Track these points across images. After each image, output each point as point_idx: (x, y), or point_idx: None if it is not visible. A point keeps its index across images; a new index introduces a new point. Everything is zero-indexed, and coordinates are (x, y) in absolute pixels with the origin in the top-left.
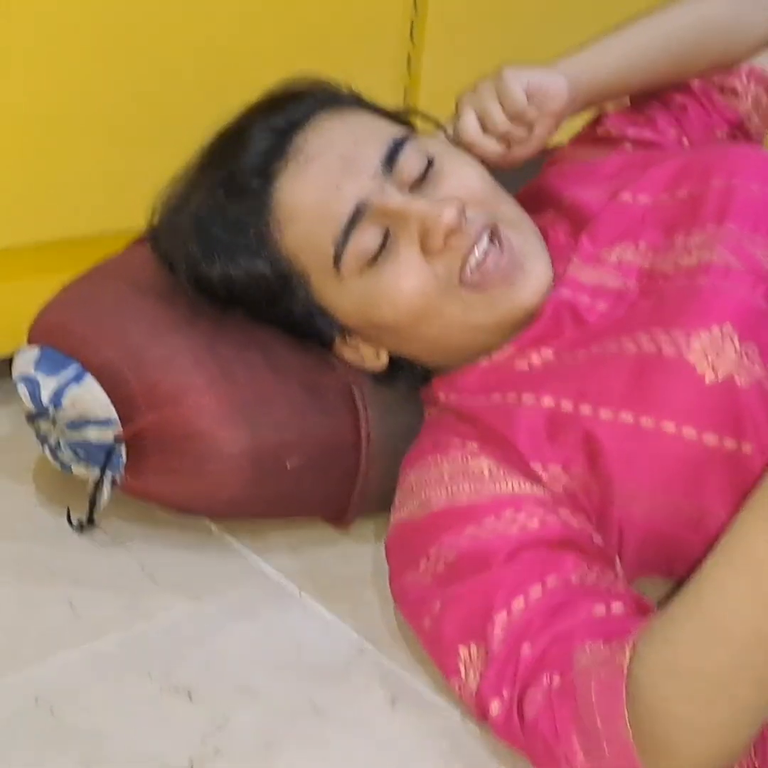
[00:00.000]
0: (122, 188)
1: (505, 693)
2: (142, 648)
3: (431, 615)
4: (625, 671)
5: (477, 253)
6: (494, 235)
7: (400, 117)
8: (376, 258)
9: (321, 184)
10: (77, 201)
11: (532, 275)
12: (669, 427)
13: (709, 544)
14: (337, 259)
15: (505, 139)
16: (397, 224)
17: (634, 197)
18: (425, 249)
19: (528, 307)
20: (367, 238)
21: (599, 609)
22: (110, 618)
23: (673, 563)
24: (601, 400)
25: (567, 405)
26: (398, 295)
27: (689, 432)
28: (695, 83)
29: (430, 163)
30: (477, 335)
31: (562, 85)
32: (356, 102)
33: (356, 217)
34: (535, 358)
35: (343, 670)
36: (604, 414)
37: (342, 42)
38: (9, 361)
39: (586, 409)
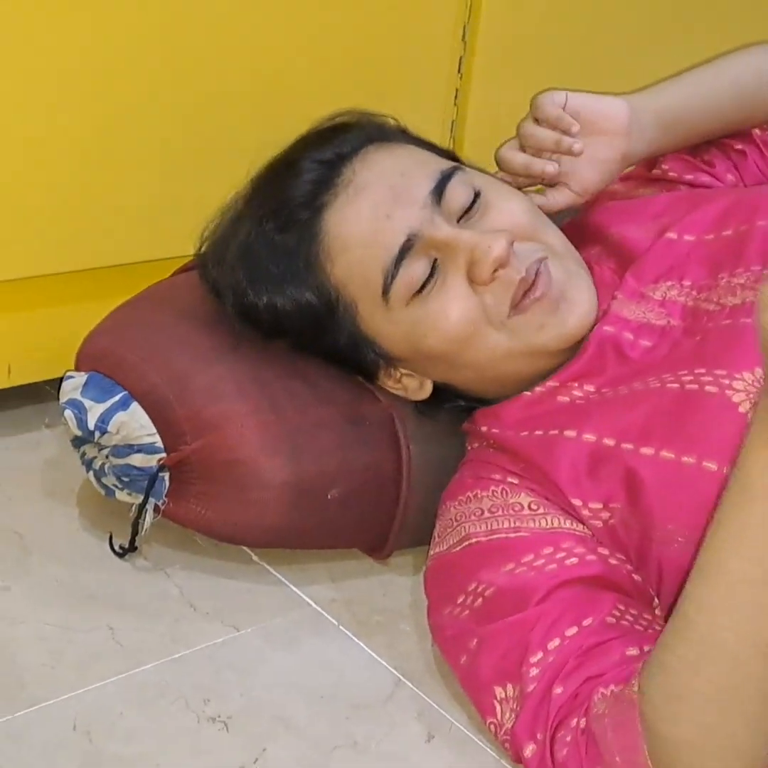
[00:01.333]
0: (169, 217)
1: (538, 735)
2: (181, 676)
3: (468, 653)
4: (636, 703)
5: (524, 285)
6: (541, 267)
7: (447, 152)
8: (423, 288)
9: (371, 215)
10: (125, 229)
11: (578, 304)
12: (711, 465)
13: None
14: (386, 289)
15: (554, 176)
16: (446, 255)
17: (679, 236)
18: (473, 279)
19: (573, 335)
20: (415, 269)
21: (633, 651)
22: (150, 645)
23: None
24: (642, 436)
25: (609, 441)
26: (445, 323)
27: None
28: (756, 131)
29: (477, 195)
30: (523, 363)
31: (621, 107)
32: (403, 135)
33: (406, 247)
34: (578, 393)
35: (380, 704)
36: (646, 450)
37: (390, 76)
38: (56, 385)
39: (628, 445)
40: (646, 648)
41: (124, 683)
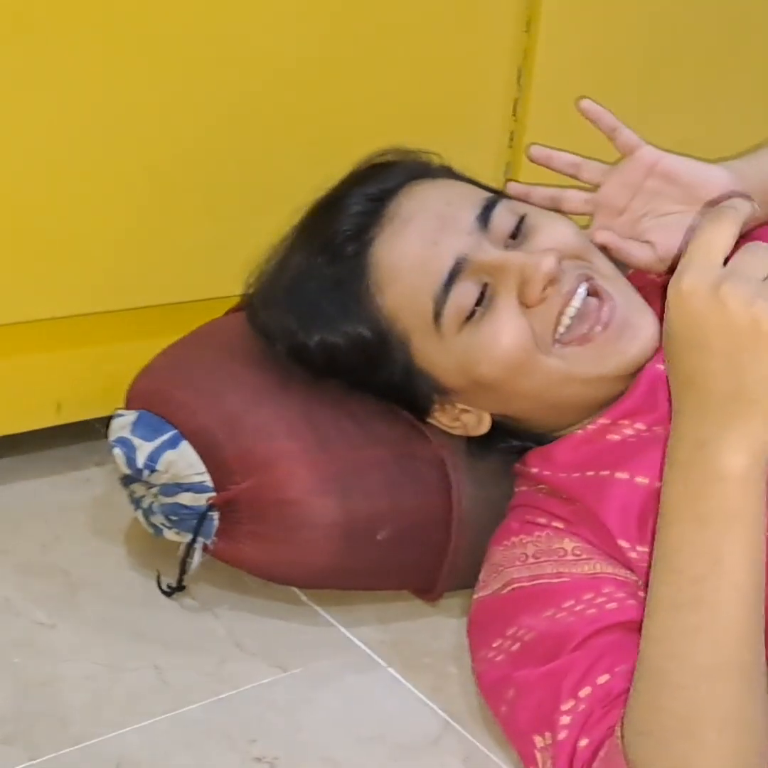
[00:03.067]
0: (220, 257)
1: None
2: (227, 716)
3: (506, 703)
4: (619, 748)
5: (575, 303)
6: (592, 288)
7: (490, 188)
8: (474, 313)
9: (418, 243)
10: (176, 268)
11: (641, 328)
12: None
13: None
14: (437, 314)
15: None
16: (496, 278)
17: None
18: (524, 299)
19: (638, 361)
20: (466, 293)
21: None
22: (196, 684)
23: None
24: None
25: (659, 483)
26: (497, 349)
27: None
28: None
29: (521, 219)
30: (580, 389)
31: (722, 175)
32: (447, 171)
33: (455, 271)
34: (629, 431)
35: (427, 746)
36: None
37: (445, 119)
38: (106, 423)
39: None
40: None
41: (169, 722)
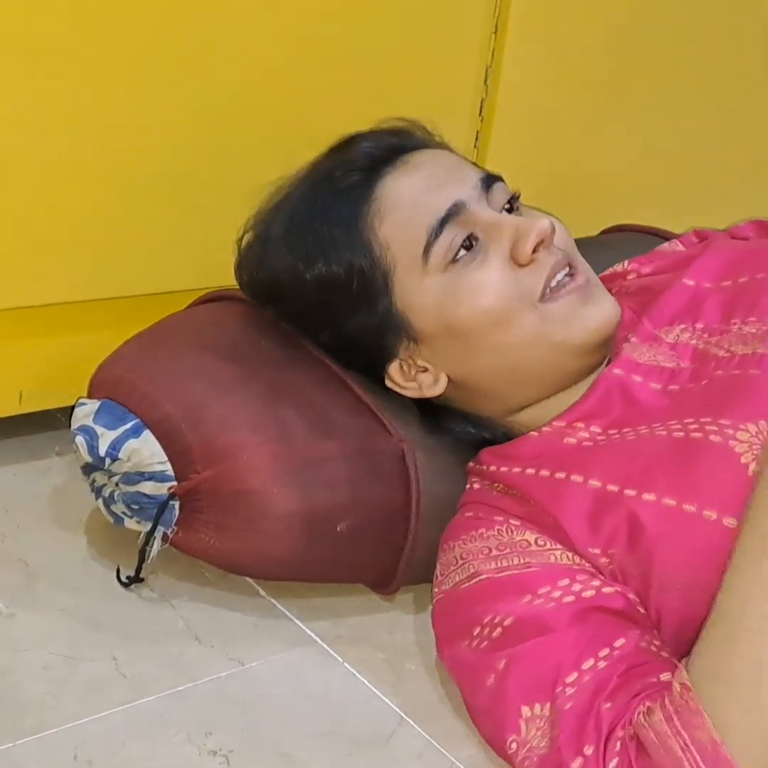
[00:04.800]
0: (184, 250)
1: (587, 750)
2: (184, 708)
3: (496, 672)
4: (689, 686)
5: (559, 276)
6: (572, 271)
7: None
8: (463, 257)
9: (424, 183)
10: (140, 261)
11: (604, 302)
12: (711, 514)
13: None
14: (428, 247)
15: None
16: (489, 234)
17: (697, 282)
18: (514, 257)
19: (597, 331)
20: (458, 237)
21: (666, 676)
22: (153, 676)
23: None
24: (645, 482)
25: (613, 487)
26: (480, 293)
27: (730, 521)
28: None
29: (516, 199)
30: (544, 356)
31: None
32: (453, 150)
33: (453, 212)
34: (584, 434)
35: (382, 742)
36: (648, 497)
37: (413, 116)
38: (67, 413)
39: (630, 491)
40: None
41: (126, 714)
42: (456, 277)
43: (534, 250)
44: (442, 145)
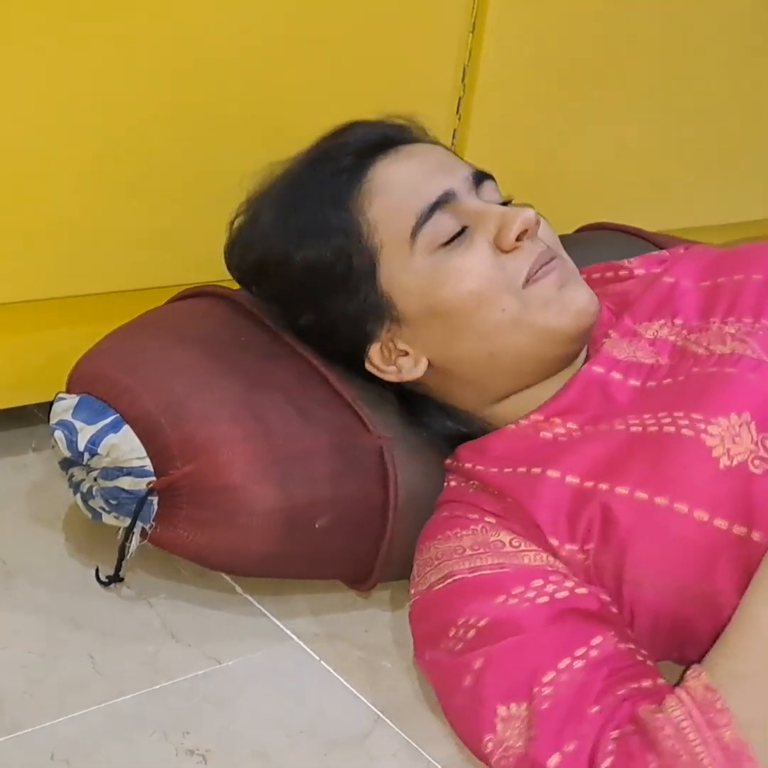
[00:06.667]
0: (164, 246)
1: (567, 747)
2: (161, 707)
3: (471, 673)
4: (715, 687)
5: (540, 262)
6: (555, 259)
7: None
8: (449, 242)
9: (416, 170)
10: (119, 257)
11: (582, 290)
12: (682, 508)
13: (720, 629)
14: (415, 230)
15: None
16: (476, 222)
17: (676, 279)
18: (499, 243)
19: (575, 319)
20: (446, 222)
21: (647, 683)
22: (130, 675)
23: (684, 648)
24: (618, 476)
25: (588, 482)
26: (464, 275)
27: (701, 515)
28: None
29: (507, 202)
30: (524, 341)
31: None
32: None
33: (443, 200)
34: (560, 429)
35: (358, 741)
36: (621, 490)
37: (390, 113)
38: (44, 409)
39: (604, 485)
40: (659, 681)
41: (103, 713)
42: (441, 260)
43: (518, 239)
44: (436, 143)
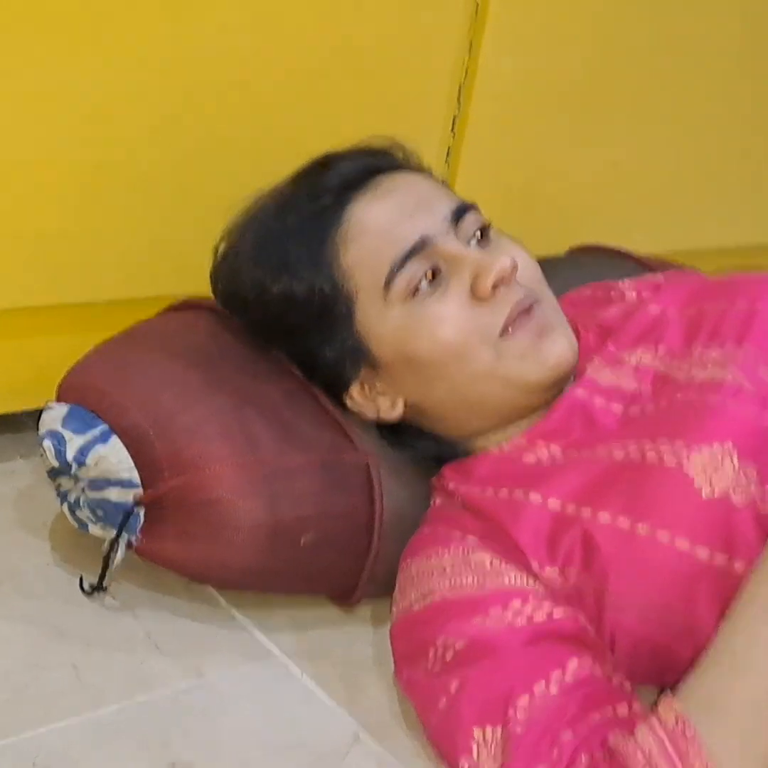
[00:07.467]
0: (157, 257)
1: None
2: (143, 719)
3: (448, 695)
4: (686, 716)
5: (517, 311)
6: (533, 307)
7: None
8: (420, 290)
9: (394, 212)
10: (112, 266)
11: (560, 341)
12: (664, 536)
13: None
14: (390, 279)
15: None
16: (452, 267)
17: (662, 307)
18: (474, 292)
19: (552, 371)
20: (420, 269)
21: (622, 709)
22: (113, 686)
23: (664, 674)
24: (600, 502)
25: (570, 506)
26: (439, 327)
27: (682, 543)
28: None
29: (487, 228)
30: (498, 390)
31: None
32: (431, 175)
33: (418, 246)
34: (544, 453)
35: (339, 757)
36: (603, 516)
37: (386, 129)
38: (33, 416)
39: (586, 511)
40: (634, 705)
41: (85, 724)
42: (416, 309)
43: (494, 287)
44: (419, 169)
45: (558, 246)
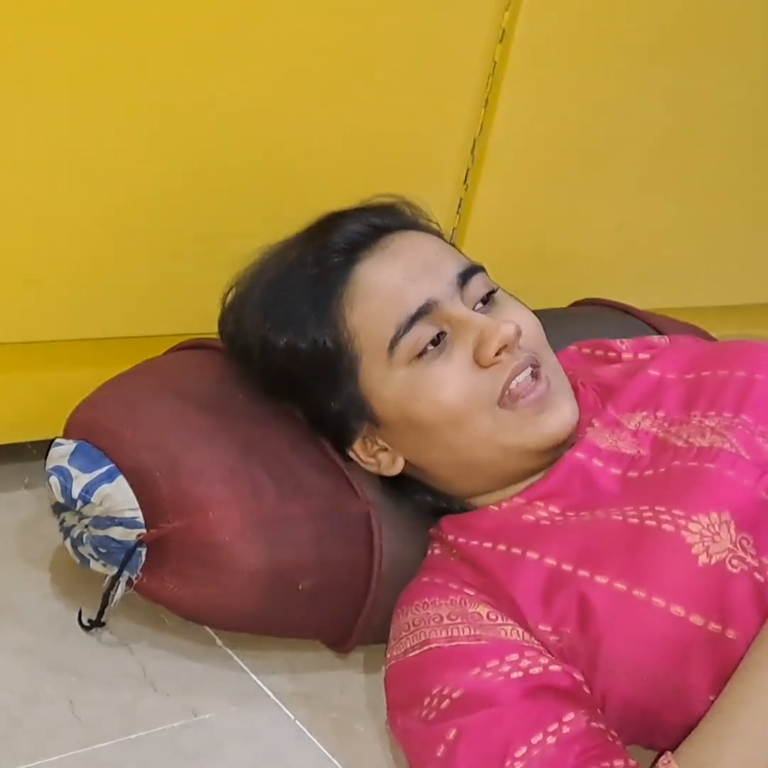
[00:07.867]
0: (168, 295)
1: None
2: (136, 757)
3: (445, 743)
4: None
5: (520, 378)
6: (536, 371)
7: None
8: (425, 353)
9: (400, 275)
10: (122, 303)
11: (561, 411)
12: (659, 602)
13: (690, 722)
14: (394, 343)
15: None
16: (457, 331)
17: (661, 372)
18: (478, 357)
19: (553, 439)
20: (425, 332)
21: (619, 764)
22: (108, 722)
23: (651, 736)
24: (598, 565)
25: (567, 566)
26: (441, 393)
27: (677, 610)
28: None
29: (493, 292)
30: (497, 455)
31: None
32: (440, 235)
33: (424, 310)
34: (543, 513)
35: None
36: (600, 579)
37: (398, 180)
38: (40, 445)
39: (584, 572)
40: (630, 762)
41: (79, 759)
42: (419, 372)
43: (497, 353)
44: (428, 227)
45: (565, 299)
